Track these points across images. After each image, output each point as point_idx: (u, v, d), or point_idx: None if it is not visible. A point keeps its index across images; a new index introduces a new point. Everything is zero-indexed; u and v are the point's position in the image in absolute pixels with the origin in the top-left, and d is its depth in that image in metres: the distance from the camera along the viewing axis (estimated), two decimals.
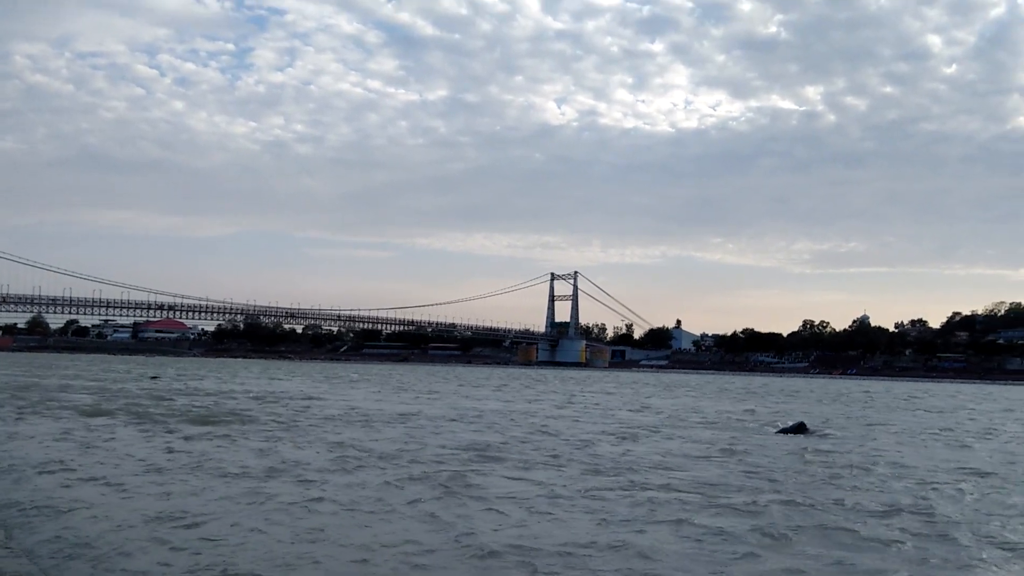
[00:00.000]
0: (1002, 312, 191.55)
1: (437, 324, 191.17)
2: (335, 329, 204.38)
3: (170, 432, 19.97)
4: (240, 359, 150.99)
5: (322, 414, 27.49)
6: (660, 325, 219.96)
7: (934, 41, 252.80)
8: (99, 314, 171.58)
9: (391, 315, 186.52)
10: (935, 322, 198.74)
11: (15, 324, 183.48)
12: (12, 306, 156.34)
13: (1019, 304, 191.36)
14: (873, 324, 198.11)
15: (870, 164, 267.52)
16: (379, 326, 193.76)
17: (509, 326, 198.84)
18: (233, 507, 10.98)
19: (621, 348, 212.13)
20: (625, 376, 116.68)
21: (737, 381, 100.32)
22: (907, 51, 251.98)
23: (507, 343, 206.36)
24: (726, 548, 9.42)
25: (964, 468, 17.38)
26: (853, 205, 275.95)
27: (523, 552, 9.01)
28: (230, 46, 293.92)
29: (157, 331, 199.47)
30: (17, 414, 23.94)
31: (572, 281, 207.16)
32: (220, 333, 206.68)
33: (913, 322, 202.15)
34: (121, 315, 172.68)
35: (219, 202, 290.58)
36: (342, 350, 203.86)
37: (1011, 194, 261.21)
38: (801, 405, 43.61)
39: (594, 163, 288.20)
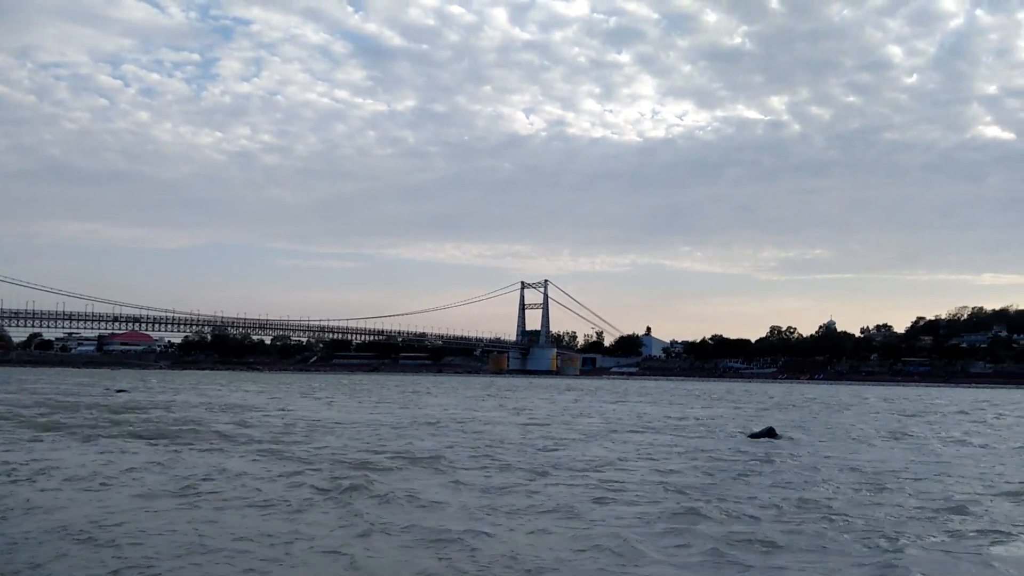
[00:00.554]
0: (965, 317, 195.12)
1: (408, 334, 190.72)
2: (304, 340, 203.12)
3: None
4: (207, 371, 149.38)
5: (263, 423, 27.25)
6: (630, 333, 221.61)
7: (895, 52, 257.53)
8: (63, 327, 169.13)
9: (361, 325, 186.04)
10: (900, 327, 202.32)
11: None
12: None
13: (981, 309, 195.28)
14: (839, 329, 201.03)
15: (835, 173, 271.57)
16: (349, 336, 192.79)
17: (480, 335, 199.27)
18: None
19: (592, 356, 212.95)
20: (591, 383, 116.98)
21: (706, 387, 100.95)
22: (869, 61, 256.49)
23: (478, 352, 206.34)
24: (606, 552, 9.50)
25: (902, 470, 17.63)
26: (818, 213, 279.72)
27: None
28: (195, 56, 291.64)
29: (122, 344, 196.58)
30: None
31: (542, 289, 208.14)
32: (187, 345, 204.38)
33: (878, 327, 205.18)
34: (86, 328, 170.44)
35: (185, 213, 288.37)
36: (311, 361, 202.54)
37: (971, 201, 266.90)
38: (770, 411, 43.56)
39: (563, 172, 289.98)
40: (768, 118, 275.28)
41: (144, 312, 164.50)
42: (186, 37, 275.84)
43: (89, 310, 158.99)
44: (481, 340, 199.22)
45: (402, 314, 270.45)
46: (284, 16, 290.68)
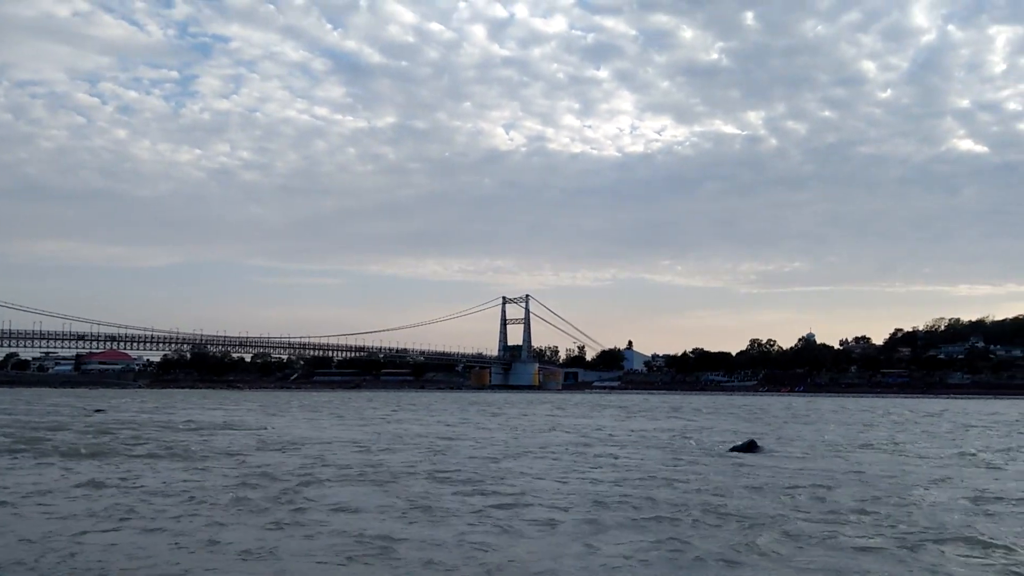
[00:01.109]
0: (942, 328, 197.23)
1: (389, 350, 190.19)
2: (285, 357, 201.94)
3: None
4: (187, 389, 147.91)
5: (227, 442, 27.09)
6: (612, 347, 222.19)
7: (869, 67, 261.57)
8: (40, 346, 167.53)
9: (342, 342, 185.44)
10: (878, 339, 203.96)
11: None
12: None
13: (958, 320, 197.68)
14: (818, 342, 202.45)
15: (811, 186, 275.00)
16: (330, 353, 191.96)
17: (462, 350, 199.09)
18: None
19: (574, 370, 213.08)
20: (574, 397, 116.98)
21: (688, 400, 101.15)
22: (843, 76, 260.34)
23: (460, 367, 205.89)
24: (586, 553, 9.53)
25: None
26: (796, 226, 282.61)
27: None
28: (174, 73, 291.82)
29: (101, 363, 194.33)
30: None
31: (524, 304, 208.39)
32: (166, 363, 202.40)
33: (857, 339, 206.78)
34: (63, 347, 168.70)
35: (164, 231, 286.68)
36: (292, 378, 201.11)
37: (946, 214, 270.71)
38: (750, 424, 43.57)
39: (543, 188, 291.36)
40: (745, 133, 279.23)
41: (122, 331, 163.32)
42: (165, 54, 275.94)
43: (66, 329, 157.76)
44: (463, 356, 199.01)
45: (384, 330, 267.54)
46: (263, 33, 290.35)
